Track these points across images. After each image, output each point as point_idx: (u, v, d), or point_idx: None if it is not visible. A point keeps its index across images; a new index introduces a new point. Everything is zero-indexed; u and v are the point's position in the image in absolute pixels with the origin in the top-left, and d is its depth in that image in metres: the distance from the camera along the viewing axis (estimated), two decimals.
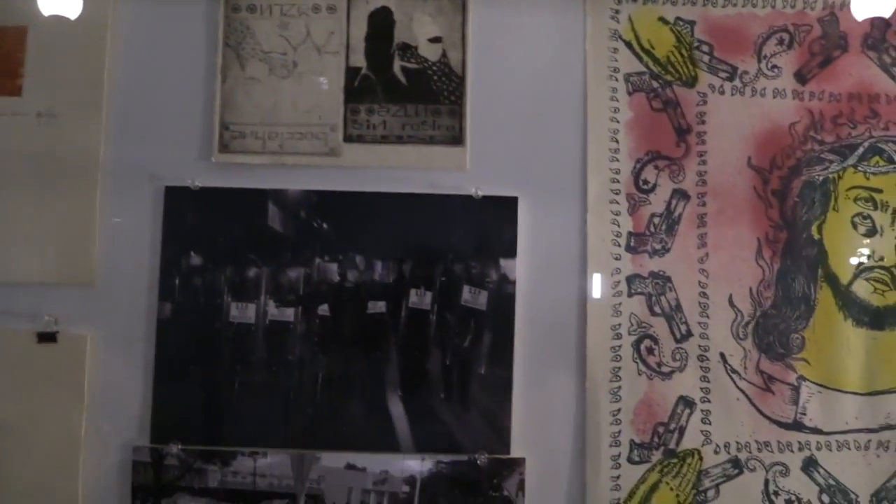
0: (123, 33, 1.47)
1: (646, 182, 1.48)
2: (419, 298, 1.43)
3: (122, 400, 1.42)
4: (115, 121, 1.46)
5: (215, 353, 1.41)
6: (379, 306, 1.43)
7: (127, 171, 1.45)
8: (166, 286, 1.42)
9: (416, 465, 1.41)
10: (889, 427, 1.48)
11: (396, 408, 1.42)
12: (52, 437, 1.41)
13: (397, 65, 1.47)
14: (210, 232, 1.43)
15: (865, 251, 1.50)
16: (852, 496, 1.46)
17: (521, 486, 1.41)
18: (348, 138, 1.45)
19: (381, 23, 1.47)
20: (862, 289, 1.50)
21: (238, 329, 1.42)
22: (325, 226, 1.44)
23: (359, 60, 1.46)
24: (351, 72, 1.46)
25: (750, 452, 1.45)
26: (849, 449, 1.47)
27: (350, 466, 1.41)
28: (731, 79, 1.51)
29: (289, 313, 1.42)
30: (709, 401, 1.45)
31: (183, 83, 1.46)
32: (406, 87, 1.47)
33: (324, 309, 1.42)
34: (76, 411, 1.42)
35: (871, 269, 1.50)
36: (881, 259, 1.51)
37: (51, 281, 1.43)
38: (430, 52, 1.47)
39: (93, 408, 1.42)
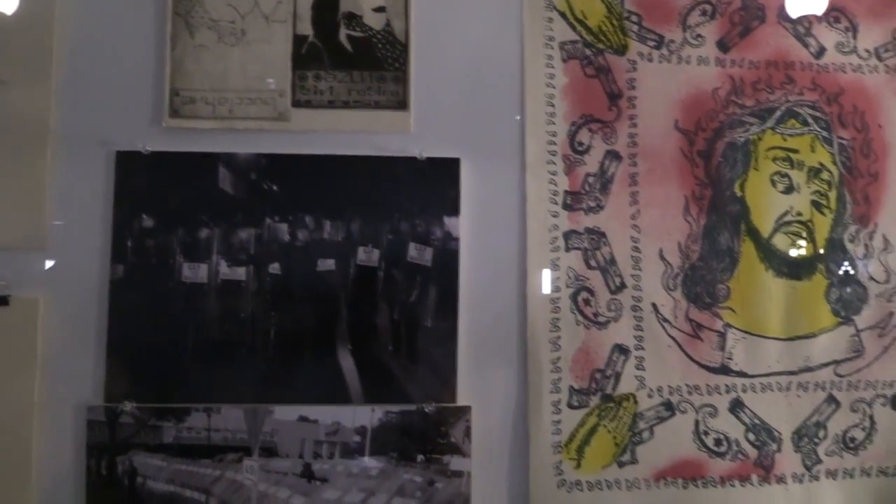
0: (73, 1, 1.50)
1: (580, 144, 1.57)
2: (367, 256, 1.49)
3: (76, 361, 1.45)
4: (65, 88, 1.48)
5: (168, 312, 1.45)
6: (328, 264, 1.48)
7: (79, 136, 1.48)
8: (118, 248, 1.45)
9: (367, 415, 1.47)
10: (807, 369, 1.60)
11: (346, 361, 1.47)
12: (6, 399, 1.42)
13: (343, 33, 1.53)
14: (161, 195, 1.46)
15: (784, 207, 1.62)
16: (775, 434, 1.57)
17: (467, 432, 1.48)
18: (296, 103, 1.50)
19: None
20: (781, 242, 1.61)
21: (190, 288, 1.46)
22: (274, 187, 1.49)
23: (306, 28, 1.52)
24: (298, 39, 1.51)
25: (681, 396, 1.55)
26: (772, 391, 1.58)
27: (302, 419, 1.46)
28: (658, 47, 1.61)
29: (240, 272, 1.47)
30: (642, 348, 1.54)
31: (133, 51, 1.49)
32: (352, 54, 1.52)
33: (274, 267, 1.47)
34: (29, 374, 1.44)
35: (789, 223, 1.62)
36: (799, 214, 1.62)
37: (2, 245, 1.45)
38: (375, 21, 1.53)
39: (46, 369, 1.44)
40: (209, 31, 1.50)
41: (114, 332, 1.44)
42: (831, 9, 1.67)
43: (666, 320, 1.56)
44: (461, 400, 1.48)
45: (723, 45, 1.63)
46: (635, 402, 1.54)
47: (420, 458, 1.46)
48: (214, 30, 1.50)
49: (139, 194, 1.46)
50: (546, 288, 1.52)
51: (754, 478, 1.55)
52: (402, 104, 1.52)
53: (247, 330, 1.45)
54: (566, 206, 1.55)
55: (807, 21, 1.66)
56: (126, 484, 1.42)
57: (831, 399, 1.60)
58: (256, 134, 1.49)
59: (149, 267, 1.45)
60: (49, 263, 1.45)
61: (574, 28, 1.58)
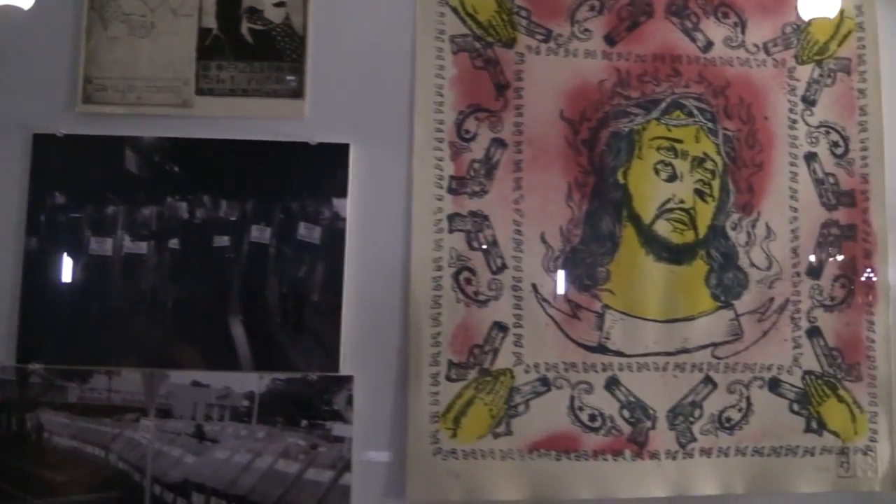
0: None
1: (467, 132, 1.65)
2: (260, 233, 1.60)
3: None
4: None
5: (76, 282, 1.57)
6: (224, 240, 1.59)
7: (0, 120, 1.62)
8: (32, 223, 1.57)
9: (255, 381, 1.57)
10: (685, 351, 1.66)
11: (238, 331, 1.58)
12: None
13: (245, 26, 1.64)
14: (73, 175, 1.59)
15: (666, 194, 1.68)
16: (651, 411, 1.64)
17: (349, 400, 1.58)
18: (200, 91, 1.62)
19: None
20: (663, 228, 1.67)
21: (97, 260, 1.58)
22: (176, 169, 1.60)
23: (210, 22, 1.63)
24: (203, 32, 1.63)
25: (558, 372, 1.62)
26: (648, 370, 1.65)
27: (195, 383, 1.57)
28: (546, 40, 1.68)
29: (142, 246, 1.58)
30: (521, 326, 1.62)
31: (52, 42, 1.62)
32: (252, 46, 1.63)
33: (174, 243, 1.59)
34: None
35: (671, 210, 1.68)
36: (681, 202, 1.68)
37: None
38: (275, 15, 1.64)
39: None
40: (121, 25, 1.62)
41: (26, 299, 1.56)
42: (720, 4, 1.73)
43: (545, 300, 1.63)
44: (344, 370, 1.58)
45: (610, 39, 1.70)
46: (512, 377, 1.61)
47: (304, 423, 1.56)
48: (126, 23, 1.62)
49: (53, 174, 1.59)
50: (428, 267, 1.61)
51: (627, 453, 1.62)
52: (297, 93, 1.63)
53: (146, 299, 1.57)
54: (451, 191, 1.63)
55: (695, 16, 1.72)
56: (34, 439, 1.55)
57: (708, 380, 1.65)
58: (162, 119, 1.61)
59: (60, 240, 1.57)
60: None
61: (465, 22, 1.67)
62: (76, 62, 1.61)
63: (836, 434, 1.67)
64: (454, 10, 1.67)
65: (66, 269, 1.57)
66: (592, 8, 1.70)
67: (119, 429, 1.55)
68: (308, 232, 1.61)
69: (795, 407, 1.67)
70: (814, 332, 1.69)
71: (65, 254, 1.57)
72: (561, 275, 1.63)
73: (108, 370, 1.56)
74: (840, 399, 1.68)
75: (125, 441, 1.56)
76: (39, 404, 1.55)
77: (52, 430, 1.55)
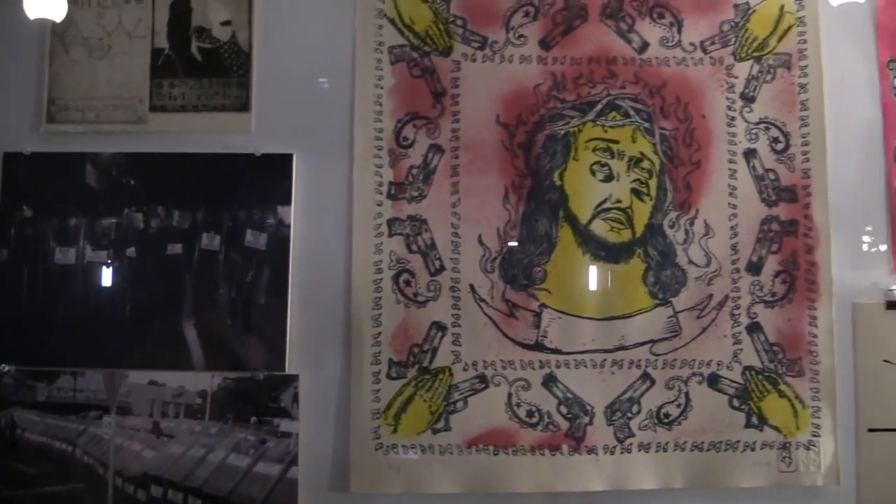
0: None
1: (405, 139, 1.71)
2: (210, 241, 1.69)
3: None
4: None
5: (43, 289, 1.69)
6: (176, 248, 1.69)
7: None
8: (3, 235, 1.70)
9: (207, 380, 1.66)
10: (622, 348, 1.69)
11: (191, 333, 1.68)
12: None
13: (194, 45, 1.73)
14: (39, 189, 1.71)
15: (603, 195, 1.71)
16: (588, 407, 1.67)
17: (295, 398, 1.66)
18: (153, 108, 1.72)
19: (180, 9, 1.74)
20: (599, 227, 1.71)
21: (61, 269, 1.70)
22: (132, 182, 1.71)
23: (162, 42, 1.73)
24: (156, 52, 1.73)
25: (495, 370, 1.67)
26: (586, 367, 1.68)
27: (152, 382, 1.67)
28: (482, 48, 1.73)
29: (102, 255, 1.70)
30: (459, 325, 1.67)
31: (18, 66, 1.74)
32: (201, 63, 1.73)
33: (131, 251, 1.69)
34: None
35: (608, 210, 1.71)
36: (618, 201, 1.72)
37: None
38: (222, 34, 1.73)
39: None
40: (81, 48, 1.73)
41: None
42: (655, 5, 1.75)
43: (483, 300, 1.68)
44: (290, 369, 1.66)
45: (545, 44, 1.74)
46: (451, 374, 1.67)
47: (253, 419, 1.65)
48: (85, 46, 1.73)
49: (21, 189, 1.71)
50: (369, 270, 1.68)
51: (565, 448, 1.66)
52: (244, 107, 1.72)
53: (107, 304, 1.68)
54: (390, 196, 1.70)
55: (630, 18, 1.75)
56: (7, 435, 1.68)
57: (646, 376, 1.68)
58: (119, 136, 1.72)
59: (27, 251, 1.69)
60: None
61: (402, 33, 1.73)
62: (41, 84, 1.73)
63: (777, 429, 1.68)
64: (392, 21, 1.74)
65: (34, 277, 1.69)
66: (527, 14, 1.74)
67: (84, 425, 1.67)
68: (255, 238, 1.69)
69: (735, 402, 1.68)
70: (754, 328, 1.70)
71: (32, 263, 1.69)
72: (498, 275, 1.69)
73: (73, 371, 1.68)
74: (781, 394, 1.69)
75: (89, 437, 1.67)
76: (11, 403, 1.68)
77: (24, 427, 1.67)
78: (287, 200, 1.69)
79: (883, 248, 1.75)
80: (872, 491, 1.69)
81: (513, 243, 1.67)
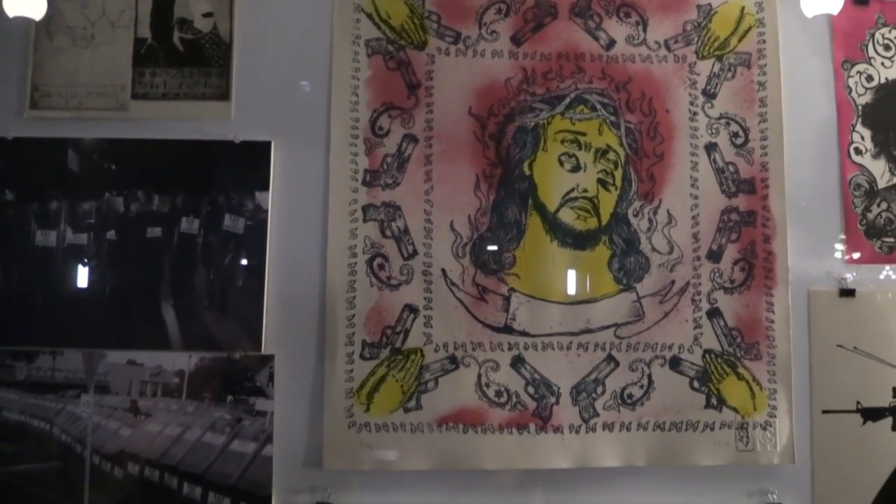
0: None
1: (381, 128, 1.77)
2: (189, 225, 1.74)
3: None
4: None
5: (24, 270, 1.73)
6: (156, 231, 1.73)
7: None
8: None
9: (185, 360, 1.71)
10: (588, 331, 1.75)
11: (169, 314, 1.72)
12: None
13: (176, 36, 1.79)
14: (21, 174, 1.75)
15: (570, 184, 1.78)
16: (555, 388, 1.73)
17: (271, 377, 1.70)
18: (135, 96, 1.77)
19: (162, 1, 1.79)
20: (567, 216, 1.78)
21: (42, 251, 1.73)
22: (113, 167, 1.75)
23: (145, 32, 1.79)
24: (138, 42, 1.78)
25: (465, 351, 1.73)
26: (553, 349, 1.74)
27: (131, 362, 1.71)
28: (455, 42, 1.80)
29: (83, 238, 1.74)
30: (431, 308, 1.73)
31: (1, 53, 1.78)
32: (183, 53, 1.78)
33: (111, 234, 1.74)
34: None
35: (575, 199, 1.78)
36: (585, 191, 1.79)
37: None
38: (204, 25, 1.79)
39: None
40: (65, 36, 1.78)
41: None
42: (622, 4, 1.83)
43: (454, 284, 1.74)
44: (266, 349, 1.71)
45: (516, 40, 1.81)
46: (422, 355, 1.72)
47: (230, 398, 1.69)
48: (69, 35, 1.78)
49: (4, 173, 1.75)
50: (344, 254, 1.73)
51: (532, 427, 1.71)
52: (224, 96, 1.77)
53: (86, 286, 1.72)
54: (365, 183, 1.76)
55: (597, 16, 1.83)
56: None
57: (611, 359, 1.75)
58: (101, 122, 1.76)
59: (9, 234, 1.73)
60: None
61: (379, 27, 1.80)
62: (24, 71, 1.77)
63: (735, 410, 1.75)
64: (369, 16, 1.80)
65: (15, 259, 1.72)
66: (499, 11, 1.81)
67: (62, 404, 1.70)
68: (233, 223, 1.74)
69: (696, 384, 1.75)
70: (714, 313, 1.77)
71: (13, 245, 1.72)
72: (469, 260, 1.75)
73: (52, 350, 1.71)
74: (740, 377, 1.76)
75: (67, 415, 1.71)
76: None
77: (2, 406, 1.70)
78: (265, 186, 1.74)
79: (837, 238, 1.84)
80: (825, 469, 1.77)
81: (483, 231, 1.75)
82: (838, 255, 1.84)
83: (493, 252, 1.75)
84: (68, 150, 1.75)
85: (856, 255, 1.83)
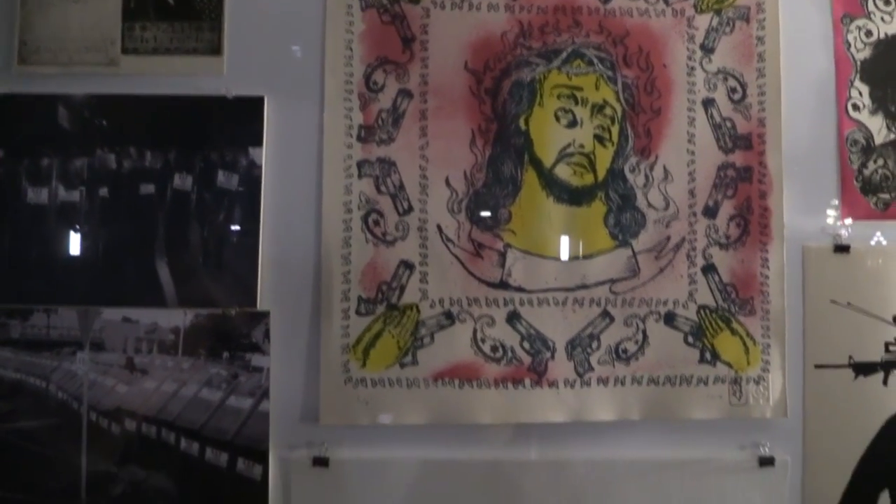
0: None
1: (375, 83, 1.75)
2: (182, 181, 1.72)
3: None
4: None
5: (16, 228, 1.71)
6: (149, 188, 1.72)
7: None
8: None
9: (180, 317, 1.70)
10: (584, 287, 1.75)
11: (163, 271, 1.71)
12: None
13: None
14: (11, 130, 1.73)
15: (567, 140, 1.77)
16: (550, 343, 1.74)
17: (266, 334, 1.70)
18: (125, 51, 1.74)
19: None
20: (563, 171, 1.77)
21: (34, 209, 1.72)
22: (104, 123, 1.73)
23: None
24: None
25: (461, 307, 1.73)
26: (548, 305, 1.75)
27: (126, 319, 1.71)
28: None
29: (75, 195, 1.72)
30: (426, 264, 1.73)
31: None
32: (173, 7, 1.75)
33: (104, 191, 1.72)
34: None
35: (571, 154, 1.77)
36: (581, 146, 1.77)
37: None
38: None
39: None
40: None
41: None
42: None
43: (449, 240, 1.74)
44: (262, 305, 1.71)
45: None
46: (418, 311, 1.72)
47: (225, 354, 1.70)
48: None
49: None
50: (339, 210, 1.72)
51: (527, 381, 1.73)
52: (216, 50, 1.74)
53: (80, 244, 1.71)
54: (360, 139, 1.74)
55: None
56: None
57: (606, 314, 1.75)
58: (91, 77, 1.73)
59: (0, 191, 1.72)
60: None
61: None
62: (12, 26, 1.74)
63: (729, 364, 1.76)
64: None
65: (7, 217, 1.71)
66: None
67: (58, 361, 1.70)
68: (227, 179, 1.72)
69: (690, 339, 1.76)
70: (709, 269, 1.78)
71: (4, 203, 1.71)
72: (465, 216, 1.74)
73: (47, 308, 1.70)
74: (734, 332, 1.77)
75: (63, 373, 1.71)
76: None
77: None
78: (258, 142, 1.72)
79: (832, 194, 1.84)
80: (817, 423, 1.78)
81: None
82: (833, 211, 1.84)
83: (488, 207, 1.75)
84: (58, 106, 1.72)
85: (851, 211, 1.84)
